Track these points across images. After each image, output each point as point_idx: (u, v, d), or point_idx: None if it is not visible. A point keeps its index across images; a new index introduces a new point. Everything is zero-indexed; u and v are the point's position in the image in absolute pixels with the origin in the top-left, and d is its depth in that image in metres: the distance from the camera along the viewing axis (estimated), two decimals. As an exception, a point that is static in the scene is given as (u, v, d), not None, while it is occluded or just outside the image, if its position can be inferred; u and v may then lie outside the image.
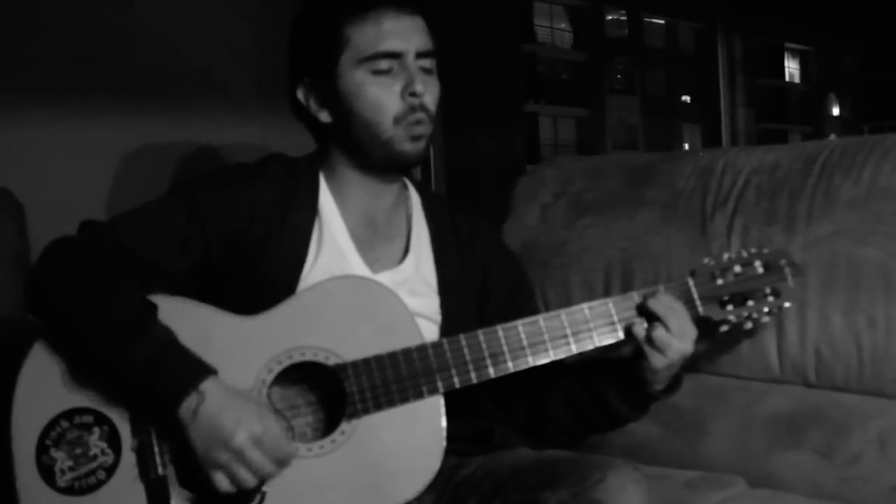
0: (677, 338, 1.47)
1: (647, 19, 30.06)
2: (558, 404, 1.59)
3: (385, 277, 1.54)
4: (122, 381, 1.37)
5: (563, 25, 27.75)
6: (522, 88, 3.91)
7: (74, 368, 1.40)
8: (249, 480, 1.35)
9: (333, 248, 1.54)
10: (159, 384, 1.34)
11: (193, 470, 1.37)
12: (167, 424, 1.36)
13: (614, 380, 1.54)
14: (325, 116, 1.56)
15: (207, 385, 1.34)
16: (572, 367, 1.60)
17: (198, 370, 1.35)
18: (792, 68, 34.59)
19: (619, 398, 1.54)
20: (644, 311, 1.50)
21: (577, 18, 27.83)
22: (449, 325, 1.56)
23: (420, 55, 1.52)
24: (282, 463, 1.37)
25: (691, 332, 1.49)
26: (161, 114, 2.29)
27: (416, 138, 1.52)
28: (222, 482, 1.35)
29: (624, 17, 29.39)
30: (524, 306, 1.60)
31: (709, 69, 30.66)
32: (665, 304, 1.49)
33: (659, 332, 1.47)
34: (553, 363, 1.50)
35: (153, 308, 1.39)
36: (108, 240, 1.47)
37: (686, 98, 31.52)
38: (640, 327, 1.49)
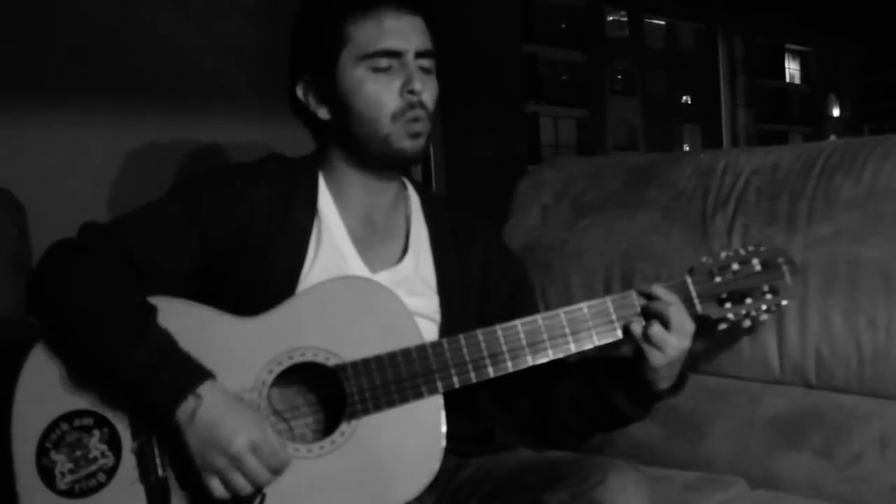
0: (675, 334, 1.47)
1: (648, 20, 30.07)
2: (563, 403, 1.59)
3: (383, 277, 1.54)
4: (120, 384, 1.37)
5: (563, 26, 27.75)
6: (523, 89, 3.92)
7: (74, 371, 1.40)
8: (245, 487, 1.35)
9: (332, 247, 1.54)
10: (156, 388, 1.34)
11: (193, 472, 1.37)
12: (165, 428, 1.36)
13: (619, 379, 1.53)
14: (324, 113, 1.56)
15: (205, 389, 1.34)
16: (577, 366, 1.60)
17: (195, 374, 1.35)
18: (792, 69, 34.59)
19: (624, 397, 1.53)
20: (641, 309, 1.50)
21: (578, 19, 27.84)
22: (448, 325, 1.56)
23: (419, 55, 1.53)
24: (277, 471, 1.37)
25: (689, 327, 1.49)
26: (162, 114, 2.29)
27: (414, 135, 1.52)
28: (217, 488, 1.34)
29: (624, 18, 29.40)
30: (524, 306, 1.60)
31: (709, 70, 30.59)
32: (662, 300, 1.49)
33: (656, 329, 1.47)
34: (558, 362, 1.49)
35: (152, 310, 1.39)
36: (108, 241, 1.47)
37: (686, 99, 31.52)
38: (638, 325, 1.48)
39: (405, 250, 1.60)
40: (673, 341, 1.46)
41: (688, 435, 1.89)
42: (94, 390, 1.39)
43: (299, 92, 1.58)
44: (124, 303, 1.40)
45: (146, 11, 2.28)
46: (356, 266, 1.54)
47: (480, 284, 1.64)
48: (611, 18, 29.09)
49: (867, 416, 1.72)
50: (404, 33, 1.52)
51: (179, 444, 1.35)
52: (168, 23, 2.30)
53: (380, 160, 1.55)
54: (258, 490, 1.36)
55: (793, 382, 1.82)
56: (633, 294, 1.51)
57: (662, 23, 30.62)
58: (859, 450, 1.70)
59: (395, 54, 1.51)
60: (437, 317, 1.57)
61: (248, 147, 2.22)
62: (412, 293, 1.55)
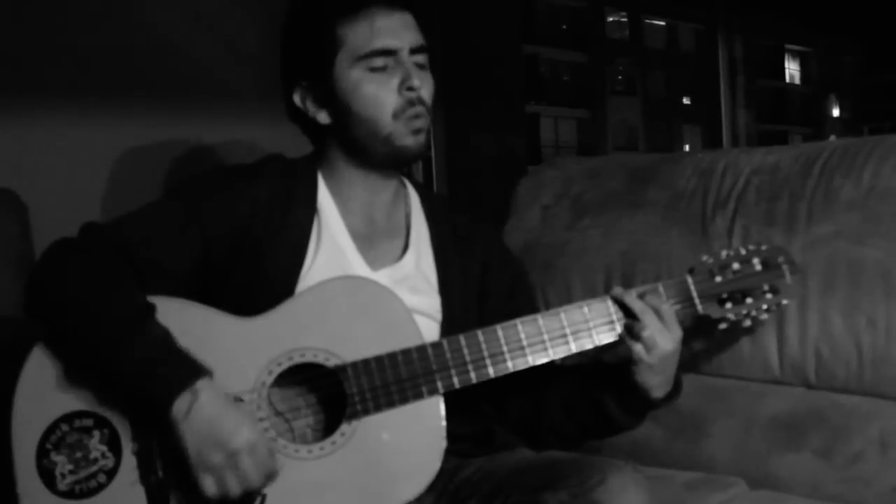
0: (659, 336, 1.45)
1: (648, 21, 30.09)
2: (554, 407, 1.59)
3: (384, 274, 1.54)
4: (117, 381, 1.36)
5: (564, 27, 27.77)
6: (524, 89, 3.92)
7: (73, 370, 1.40)
8: (236, 489, 1.34)
9: (332, 245, 1.55)
10: (153, 383, 1.34)
11: (186, 470, 1.37)
12: (162, 425, 1.35)
13: (612, 386, 1.52)
14: (323, 118, 1.56)
15: (201, 385, 1.34)
16: (570, 371, 1.60)
17: (192, 370, 1.35)
18: (792, 69, 34.61)
19: (616, 404, 1.52)
20: (625, 309, 1.49)
21: (579, 20, 27.85)
22: (449, 324, 1.56)
23: (413, 51, 1.54)
24: (269, 478, 1.36)
25: (675, 331, 1.47)
26: (163, 114, 2.29)
27: (416, 132, 1.53)
28: (210, 486, 1.33)
29: (625, 19, 29.42)
30: (523, 306, 1.60)
31: (709, 70, 30.67)
32: (646, 302, 1.48)
33: (647, 333, 1.46)
34: (550, 366, 1.49)
35: (151, 308, 1.39)
36: (108, 241, 1.47)
37: (686, 99, 31.54)
38: (627, 325, 1.48)
39: (406, 248, 1.60)
40: (659, 343, 1.45)
41: (688, 435, 1.89)
42: (95, 391, 1.39)
43: (296, 99, 1.58)
44: (123, 300, 1.40)
45: (148, 12, 2.28)
46: (357, 263, 1.54)
47: (480, 284, 1.64)
48: (611, 19, 29.11)
49: (867, 416, 1.72)
50: (397, 31, 1.52)
51: (174, 441, 1.34)
52: (170, 23, 2.30)
53: (384, 159, 1.55)
54: (251, 494, 1.36)
55: (793, 382, 1.83)
56: (633, 293, 1.51)
57: (662, 23, 30.64)
58: (859, 450, 1.70)
59: (389, 53, 1.52)
60: (439, 316, 1.57)
61: (249, 147, 2.23)
62: (414, 291, 1.56)
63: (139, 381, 1.34)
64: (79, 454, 1.38)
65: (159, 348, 1.36)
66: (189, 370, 1.35)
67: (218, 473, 1.33)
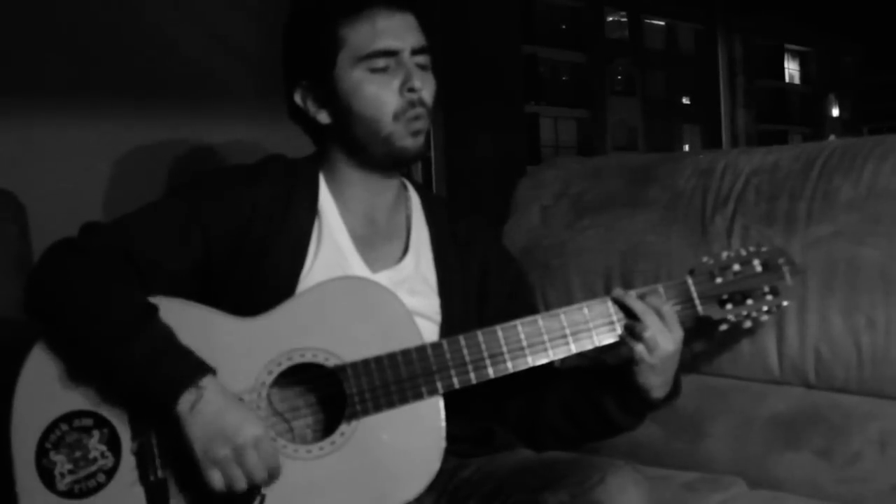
0: (661, 336, 1.45)
1: (648, 20, 30.10)
2: (553, 408, 1.58)
3: (384, 276, 1.54)
4: (120, 379, 1.37)
5: (563, 27, 27.77)
6: (523, 90, 3.92)
7: (74, 369, 1.40)
8: (242, 482, 1.35)
9: (333, 247, 1.55)
10: (157, 380, 1.34)
11: (192, 465, 1.37)
12: (166, 422, 1.36)
13: (612, 386, 1.52)
14: (324, 117, 1.56)
15: (206, 382, 1.35)
16: (569, 372, 1.60)
17: (196, 368, 1.36)
18: (792, 69, 34.61)
19: (615, 405, 1.52)
20: (626, 310, 1.49)
21: (578, 20, 27.85)
22: (449, 326, 1.56)
23: (415, 52, 1.54)
24: (272, 475, 1.37)
25: (676, 331, 1.47)
26: (162, 114, 2.29)
27: (415, 133, 1.53)
28: (217, 480, 1.34)
29: (624, 19, 29.43)
30: (523, 307, 1.59)
31: (709, 70, 30.67)
32: (647, 303, 1.48)
33: (648, 333, 1.46)
34: (550, 367, 1.49)
35: (153, 308, 1.40)
36: (108, 241, 1.47)
37: (686, 99, 31.55)
38: (633, 324, 1.48)
39: (406, 250, 1.60)
40: (661, 344, 1.45)
41: (687, 435, 1.89)
42: (94, 391, 1.39)
43: (297, 98, 1.58)
44: (125, 298, 1.41)
45: (148, 12, 2.28)
46: (357, 265, 1.55)
47: (479, 286, 1.64)
48: (611, 19, 29.12)
49: (866, 416, 1.72)
50: (398, 32, 1.52)
51: (180, 437, 1.35)
52: (169, 23, 2.31)
53: (382, 160, 1.55)
54: (254, 489, 1.37)
55: (792, 382, 1.83)
56: (633, 294, 1.51)
57: (662, 23, 30.65)
58: (858, 450, 1.70)
59: (391, 53, 1.52)
60: (438, 317, 1.57)
61: (249, 147, 2.23)
62: (413, 293, 1.56)
63: (143, 380, 1.35)
64: (78, 454, 1.38)
65: (161, 346, 1.36)
66: (193, 368, 1.36)
67: (224, 467, 1.34)
